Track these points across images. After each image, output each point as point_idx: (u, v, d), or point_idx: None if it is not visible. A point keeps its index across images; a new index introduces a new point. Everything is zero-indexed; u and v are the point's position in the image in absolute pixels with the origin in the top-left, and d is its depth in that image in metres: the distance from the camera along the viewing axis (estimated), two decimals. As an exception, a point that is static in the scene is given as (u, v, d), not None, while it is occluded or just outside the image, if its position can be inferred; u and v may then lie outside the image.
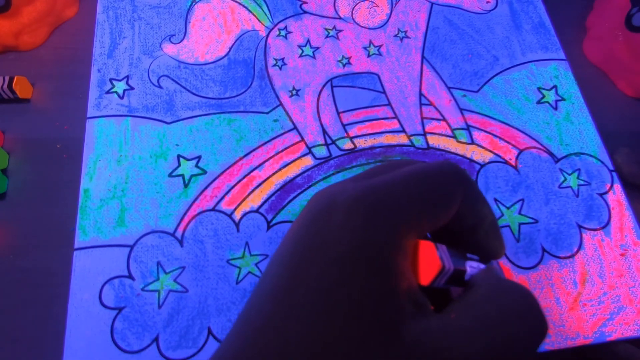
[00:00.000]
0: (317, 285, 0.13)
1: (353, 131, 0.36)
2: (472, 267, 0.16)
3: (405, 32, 0.40)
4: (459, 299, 0.15)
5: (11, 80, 0.36)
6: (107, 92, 0.36)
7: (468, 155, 0.35)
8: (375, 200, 0.14)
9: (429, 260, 0.14)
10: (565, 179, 0.35)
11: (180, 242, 0.31)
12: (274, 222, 0.32)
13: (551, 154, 0.36)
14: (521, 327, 0.14)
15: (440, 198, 0.15)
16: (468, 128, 0.36)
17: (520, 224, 0.33)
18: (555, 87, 0.38)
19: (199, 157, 0.34)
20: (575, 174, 0.35)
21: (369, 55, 0.39)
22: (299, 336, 0.13)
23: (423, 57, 0.39)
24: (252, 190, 0.33)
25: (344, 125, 0.36)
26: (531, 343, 0.14)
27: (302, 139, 0.35)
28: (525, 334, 0.14)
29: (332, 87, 0.37)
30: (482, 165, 0.35)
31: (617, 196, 0.34)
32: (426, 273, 0.14)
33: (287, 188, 0.33)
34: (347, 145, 0.35)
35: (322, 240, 0.14)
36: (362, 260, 0.13)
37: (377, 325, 0.13)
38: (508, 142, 0.36)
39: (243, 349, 0.13)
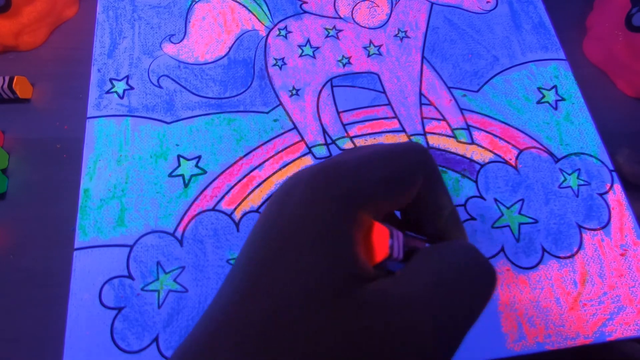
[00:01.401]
0: (280, 268, 0.13)
1: (353, 131, 0.36)
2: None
3: (405, 32, 0.40)
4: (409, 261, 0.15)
5: (11, 80, 0.36)
6: (107, 92, 0.36)
7: (468, 155, 0.35)
8: (335, 172, 0.15)
9: (380, 244, 0.15)
10: (565, 179, 0.35)
11: (180, 242, 0.31)
12: (274, 222, 0.32)
13: (551, 154, 0.36)
14: (467, 269, 0.14)
15: (402, 176, 0.15)
16: (468, 128, 0.36)
17: (520, 224, 0.33)
18: (555, 87, 0.38)
19: (199, 157, 0.34)
20: (575, 174, 0.35)
21: (369, 55, 0.39)
22: (261, 325, 0.13)
23: (423, 57, 0.39)
24: (252, 190, 0.33)
25: (344, 125, 0.36)
26: (480, 284, 0.14)
27: (302, 139, 0.35)
28: (472, 273, 0.14)
29: (332, 86, 0.37)
30: (482, 165, 0.35)
31: (617, 196, 0.34)
32: (375, 255, 0.15)
33: (287, 188, 0.33)
34: (347, 145, 0.35)
35: (285, 221, 0.14)
36: (314, 228, 0.13)
37: (330, 288, 0.13)
38: (508, 142, 0.36)
39: (212, 334, 0.13)
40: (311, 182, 0.14)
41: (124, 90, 0.36)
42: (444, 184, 0.17)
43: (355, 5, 0.41)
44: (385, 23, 0.40)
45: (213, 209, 0.32)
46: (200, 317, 0.14)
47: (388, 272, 0.16)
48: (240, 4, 0.41)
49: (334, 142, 0.35)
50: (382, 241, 0.15)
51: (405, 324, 0.13)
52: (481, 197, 0.34)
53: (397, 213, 0.19)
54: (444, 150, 0.35)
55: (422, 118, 0.36)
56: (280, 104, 0.36)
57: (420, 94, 0.37)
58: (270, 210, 0.15)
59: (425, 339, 0.13)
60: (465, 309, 0.14)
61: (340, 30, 0.40)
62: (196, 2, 0.40)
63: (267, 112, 0.36)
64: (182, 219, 0.32)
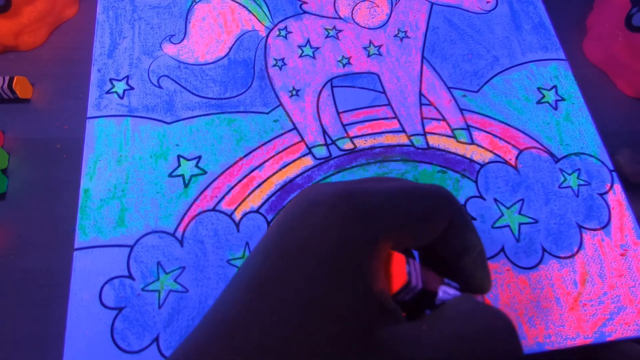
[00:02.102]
0: (294, 280, 0.13)
1: (353, 131, 0.36)
2: (447, 292, 0.16)
3: (405, 32, 0.40)
4: (432, 314, 0.15)
5: (11, 80, 0.36)
6: (107, 92, 0.36)
7: (468, 155, 0.35)
8: (359, 202, 0.14)
9: (398, 272, 0.15)
10: (565, 179, 0.35)
11: (181, 242, 0.31)
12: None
13: (551, 154, 0.36)
14: (491, 347, 0.13)
15: (424, 216, 0.15)
16: (468, 128, 0.36)
17: (520, 224, 0.33)
18: (555, 87, 0.38)
19: (199, 157, 0.34)
20: (575, 174, 0.35)
21: (369, 55, 0.39)
22: (271, 330, 0.12)
23: (423, 57, 0.39)
24: (252, 191, 0.33)
25: (344, 126, 0.36)
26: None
27: (302, 139, 0.35)
28: (495, 354, 0.13)
29: (332, 87, 0.37)
30: (482, 165, 0.35)
31: (617, 196, 0.34)
32: (393, 284, 0.15)
33: (287, 188, 0.33)
34: (347, 145, 0.35)
35: (303, 236, 0.14)
36: (340, 260, 0.13)
37: (349, 325, 0.13)
38: (508, 142, 0.36)
39: (211, 340, 0.13)
40: (337, 206, 0.14)
41: (124, 91, 0.36)
42: (472, 227, 0.17)
43: (355, 6, 0.41)
44: (385, 23, 0.40)
45: (213, 209, 0.32)
46: (201, 320, 0.14)
47: (408, 307, 0.16)
48: (240, 4, 0.41)
49: (334, 142, 0.35)
50: (400, 268, 0.15)
51: None
52: (481, 197, 0.34)
53: (415, 253, 0.19)
54: (444, 151, 0.35)
55: (422, 118, 0.37)
56: (281, 104, 0.36)
57: (420, 94, 0.37)
58: (291, 222, 0.15)
59: None
60: None
61: (340, 31, 0.40)
62: (196, 3, 0.40)
63: (267, 113, 0.36)
64: (182, 219, 0.32)
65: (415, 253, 0.19)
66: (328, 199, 0.15)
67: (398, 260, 0.15)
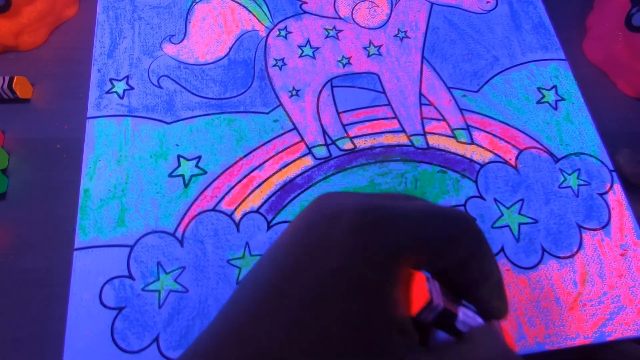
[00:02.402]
0: (306, 294, 0.13)
1: (353, 131, 0.36)
2: (467, 315, 0.15)
3: (405, 32, 0.40)
4: (456, 343, 0.15)
5: (11, 80, 0.36)
6: (107, 92, 0.36)
7: (468, 155, 0.35)
8: (379, 222, 0.14)
9: (419, 292, 0.14)
10: (565, 179, 0.35)
11: (181, 242, 0.31)
12: (274, 222, 0.32)
13: (551, 154, 0.36)
14: None
15: (447, 238, 0.15)
16: (468, 128, 0.36)
17: (520, 224, 0.33)
18: (555, 87, 0.38)
19: (199, 157, 0.34)
20: (575, 174, 0.35)
21: (369, 55, 0.39)
22: (277, 341, 0.12)
23: (423, 57, 0.39)
24: (252, 191, 0.33)
25: (344, 126, 0.36)
26: None
27: (302, 139, 0.35)
28: None
29: (332, 87, 0.37)
30: (482, 165, 0.35)
31: (617, 196, 0.34)
32: (414, 303, 0.14)
33: (287, 188, 0.33)
34: (347, 145, 0.35)
35: (319, 249, 0.14)
36: (355, 281, 0.13)
37: (360, 349, 0.12)
38: (508, 142, 0.36)
39: (219, 347, 0.13)
40: (357, 225, 0.14)
41: (124, 91, 0.36)
42: (491, 254, 0.17)
43: (355, 6, 0.41)
44: (385, 23, 0.40)
45: (213, 209, 0.32)
46: (210, 324, 0.14)
47: (426, 331, 0.15)
48: (240, 4, 0.41)
49: (334, 142, 0.35)
50: (421, 287, 0.14)
51: None
52: (481, 197, 0.34)
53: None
54: (443, 151, 0.35)
55: (422, 118, 0.37)
56: (280, 104, 0.36)
57: (420, 94, 0.37)
58: (308, 234, 0.14)
59: None
60: None
61: (340, 31, 0.40)
62: (196, 3, 0.40)
63: (267, 113, 0.36)
64: (182, 219, 0.32)
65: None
66: (348, 215, 0.14)
67: (419, 280, 0.14)
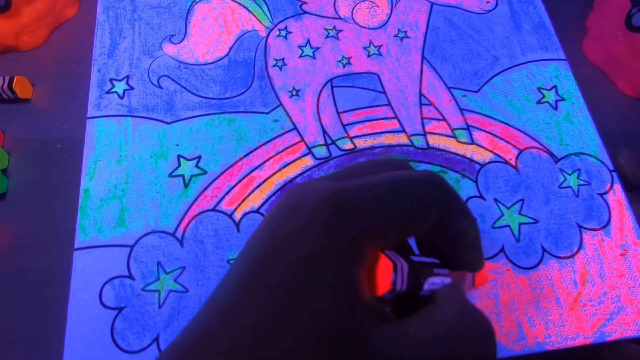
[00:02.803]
0: (277, 285, 0.13)
1: (353, 131, 0.36)
2: (433, 284, 0.16)
3: (405, 32, 0.40)
4: (421, 312, 0.15)
5: (11, 80, 0.36)
6: (107, 92, 0.36)
7: (468, 155, 0.35)
8: (342, 204, 0.14)
9: (383, 278, 0.14)
10: (565, 179, 0.35)
11: (181, 242, 0.31)
12: (274, 222, 0.32)
13: (551, 154, 0.36)
14: (469, 352, 0.14)
15: (412, 211, 0.15)
16: (468, 128, 0.36)
17: (520, 224, 0.33)
18: (555, 87, 0.38)
19: (199, 157, 0.34)
20: (575, 174, 0.35)
21: (369, 56, 0.39)
22: (251, 335, 0.13)
23: (423, 57, 0.39)
24: (253, 191, 0.33)
25: (344, 126, 0.36)
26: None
27: (302, 139, 0.35)
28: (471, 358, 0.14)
29: (332, 87, 0.37)
30: (482, 165, 0.35)
31: (617, 196, 0.34)
32: (377, 288, 0.15)
33: (287, 188, 0.33)
34: (347, 145, 0.35)
35: (286, 239, 0.14)
36: (323, 264, 0.13)
37: (332, 329, 0.13)
38: (508, 142, 0.36)
39: (195, 345, 0.13)
40: (318, 210, 0.14)
41: (124, 91, 0.36)
42: (466, 213, 0.16)
43: (355, 6, 0.41)
44: (385, 23, 0.40)
45: (213, 209, 0.32)
46: (192, 319, 0.14)
47: (391, 301, 0.16)
48: (240, 4, 0.41)
49: (334, 142, 0.35)
50: (386, 275, 0.14)
51: None
52: (481, 197, 0.34)
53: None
54: (444, 150, 0.35)
55: (422, 118, 0.36)
56: (281, 104, 0.36)
57: (420, 94, 0.37)
58: (276, 223, 0.15)
59: None
60: None
61: (340, 31, 0.40)
62: (196, 3, 0.40)
63: (267, 113, 0.36)
64: (182, 219, 0.32)
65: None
66: (311, 202, 0.14)
67: (384, 266, 0.15)
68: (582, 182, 0.35)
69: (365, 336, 0.13)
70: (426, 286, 0.16)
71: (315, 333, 0.13)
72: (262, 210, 0.33)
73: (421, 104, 0.37)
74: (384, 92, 0.37)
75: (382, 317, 0.14)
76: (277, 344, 0.12)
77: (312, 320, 0.13)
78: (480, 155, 0.35)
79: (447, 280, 0.16)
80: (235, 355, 0.12)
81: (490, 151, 0.35)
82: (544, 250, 0.32)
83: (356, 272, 0.14)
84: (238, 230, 0.32)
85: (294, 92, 0.37)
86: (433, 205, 0.15)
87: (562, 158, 0.35)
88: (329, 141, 0.35)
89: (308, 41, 0.39)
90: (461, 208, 0.16)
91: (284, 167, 0.34)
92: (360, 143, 0.35)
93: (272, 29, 0.40)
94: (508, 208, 0.34)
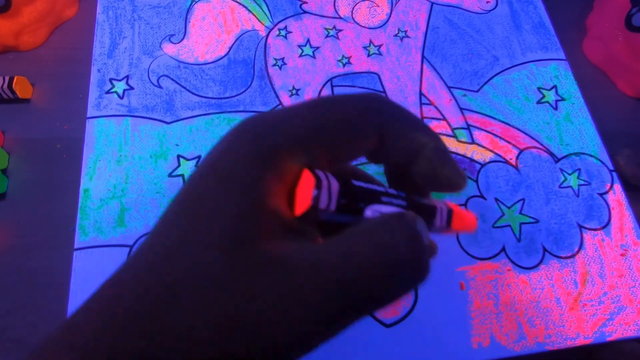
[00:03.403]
0: (187, 191, 0.13)
1: (353, 131, 0.36)
2: (377, 211, 0.14)
3: (406, 31, 0.40)
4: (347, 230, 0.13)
5: (11, 80, 0.36)
6: (107, 92, 0.36)
7: (468, 155, 0.35)
8: (260, 123, 0.14)
9: (303, 195, 0.13)
10: (566, 179, 0.35)
11: (181, 242, 0.31)
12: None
13: (551, 154, 0.36)
14: (384, 263, 0.12)
15: (338, 128, 0.14)
16: (468, 127, 0.36)
17: (521, 223, 0.33)
18: (555, 87, 0.38)
19: (199, 157, 0.34)
20: (576, 174, 0.35)
21: (369, 55, 0.39)
22: (160, 232, 0.13)
23: (423, 56, 0.39)
24: (252, 190, 0.33)
25: (344, 125, 0.36)
26: (393, 284, 0.13)
27: (302, 139, 0.35)
28: (387, 271, 0.12)
29: (332, 86, 0.37)
30: (482, 165, 0.35)
31: (617, 196, 0.34)
32: (299, 205, 0.13)
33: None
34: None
35: (210, 157, 0.14)
36: (225, 176, 0.13)
37: (234, 233, 0.12)
38: (508, 142, 0.36)
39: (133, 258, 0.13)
40: (237, 127, 0.14)
41: (124, 90, 0.36)
42: (418, 125, 0.15)
43: (355, 5, 0.41)
44: (385, 23, 0.40)
45: (213, 209, 0.32)
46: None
47: (339, 226, 0.14)
48: (240, 4, 0.41)
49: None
50: (306, 191, 0.13)
51: (288, 292, 0.12)
52: (482, 196, 0.34)
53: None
54: (444, 150, 0.35)
55: (422, 118, 0.36)
56: (280, 104, 0.36)
57: (421, 94, 0.37)
58: (210, 153, 0.15)
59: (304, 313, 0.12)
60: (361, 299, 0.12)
61: (340, 30, 0.40)
62: (196, 2, 0.40)
63: (267, 112, 0.36)
64: (182, 219, 0.32)
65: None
66: (235, 127, 0.14)
67: (306, 182, 0.13)
68: (582, 182, 0.35)
69: (266, 246, 0.12)
70: (369, 212, 0.14)
71: (212, 236, 0.12)
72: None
73: (421, 104, 0.37)
74: (384, 92, 0.37)
75: (293, 232, 0.13)
76: (180, 243, 0.12)
77: (212, 220, 0.12)
78: (480, 154, 0.35)
79: (398, 210, 0.14)
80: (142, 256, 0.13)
81: (491, 151, 0.35)
82: (544, 250, 0.32)
83: (265, 181, 0.13)
84: (238, 230, 0.32)
85: (294, 92, 0.37)
86: (368, 117, 0.14)
87: (562, 158, 0.35)
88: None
89: (308, 41, 0.39)
90: (410, 119, 0.15)
91: (284, 167, 0.34)
92: (361, 143, 0.35)
93: (272, 28, 0.40)
94: (509, 208, 0.33)
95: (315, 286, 0.12)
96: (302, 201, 0.13)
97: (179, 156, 0.34)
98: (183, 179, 0.33)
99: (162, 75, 0.37)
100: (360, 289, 0.12)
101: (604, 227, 0.33)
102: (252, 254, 0.12)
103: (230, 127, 0.15)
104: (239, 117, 0.36)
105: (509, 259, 0.32)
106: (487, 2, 0.42)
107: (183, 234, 0.12)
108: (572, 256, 0.32)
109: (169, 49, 0.38)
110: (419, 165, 0.15)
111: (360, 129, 0.14)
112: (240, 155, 0.13)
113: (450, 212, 0.16)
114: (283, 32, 0.39)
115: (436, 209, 0.16)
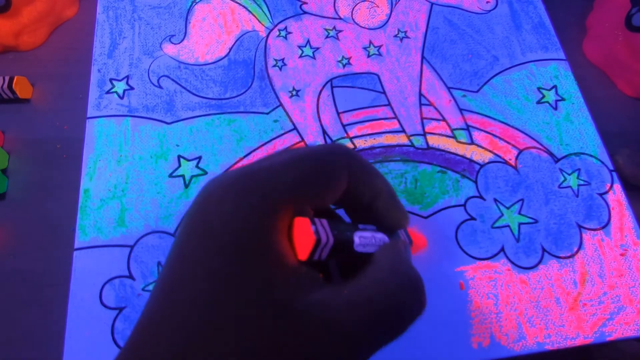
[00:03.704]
0: (198, 281, 0.14)
1: (353, 131, 0.36)
2: (364, 237, 0.16)
3: (405, 32, 0.40)
4: (360, 273, 0.15)
5: (11, 80, 0.36)
6: (107, 92, 0.36)
7: (468, 156, 0.35)
8: (245, 185, 0.15)
9: (304, 235, 0.15)
10: (565, 179, 0.35)
11: (181, 242, 0.31)
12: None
13: (551, 154, 0.36)
14: (400, 314, 0.15)
15: (319, 179, 0.16)
16: (468, 128, 0.36)
17: (520, 223, 0.33)
18: (555, 87, 0.38)
19: (200, 158, 0.34)
20: (575, 174, 0.35)
21: (369, 56, 0.39)
22: (186, 327, 0.13)
23: (423, 57, 0.39)
24: (252, 191, 0.33)
25: (344, 126, 0.36)
26: (403, 324, 0.15)
27: (302, 140, 0.35)
28: (401, 320, 0.15)
29: (332, 87, 0.37)
30: (481, 166, 0.35)
31: (617, 196, 0.34)
32: (303, 248, 0.15)
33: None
34: (347, 145, 0.35)
35: (200, 234, 0.14)
36: (240, 247, 0.14)
37: (263, 303, 0.13)
38: (508, 142, 0.36)
39: (136, 343, 0.14)
40: (224, 196, 0.14)
41: (124, 91, 0.36)
42: (374, 171, 0.17)
43: (355, 6, 0.41)
44: (385, 23, 0.40)
45: (213, 209, 0.32)
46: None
47: (330, 262, 0.16)
48: (240, 4, 0.41)
49: (334, 142, 0.35)
50: (306, 230, 0.15)
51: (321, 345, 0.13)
52: (481, 197, 0.34)
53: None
54: (443, 151, 0.35)
55: (422, 118, 0.37)
56: (281, 104, 0.36)
57: (420, 95, 0.37)
58: (190, 225, 0.15)
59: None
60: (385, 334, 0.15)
61: (340, 31, 0.40)
62: (196, 3, 0.40)
63: (267, 113, 0.36)
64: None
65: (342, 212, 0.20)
66: (216, 193, 0.15)
67: (302, 224, 0.15)
68: (582, 182, 0.35)
69: (294, 303, 0.13)
70: (357, 239, 0.16)
71: (240, 311, 0.13)
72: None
73: (421, 104, 0.37)
74: (384, 92, 0.37)
75: (313, 281, 0.14)
76: (212, 328, 0.13)
77: (235, 300, 0.13)
78: (479, 155, 0.35)
79: (378, 234, 0.17)
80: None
81: (490, 151, 0.35)
82: (544, 250, 0.32)
83: (274, 245, 0.14)
84: (238, 230, 0.32)
85: (294, 92, 0.37)
86: (340, 169, 0.16)
87: (562, 158, 0.35)
88: (329, 141, 0.35)
89: (308, 41, 0.39)
90: (370, 170, 0.17)
91: (284, 167, 0.34)
92: (360, 143, 0.35)
93: (272, 29, 0.40)
94: (508, 208, 0.34)
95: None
96: (307, 242, 0.14)
97: (179, 156, 0.34)
98: (183, 179, 0.33)
99: (162, 76, 0.37)
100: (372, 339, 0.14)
101: (603, 227, 0.33)
102: (284, 316, 0.13)
103: (203, 184, 0.16)
104: (239, 118, 0.36)
105: (508, 259, 0.32)
106: (487, 2, 0.42)
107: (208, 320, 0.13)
108: (572, 256, 0.32)
109: (169, 49, 0.38)
110: (377, 208, 0.18)
111: (336, 179, 0.16)
112: (245, 225, 0.14)
113: (406, 232, 0.20)
114: (283, 33, 0.39)
115: (399, 232, 0.19)
